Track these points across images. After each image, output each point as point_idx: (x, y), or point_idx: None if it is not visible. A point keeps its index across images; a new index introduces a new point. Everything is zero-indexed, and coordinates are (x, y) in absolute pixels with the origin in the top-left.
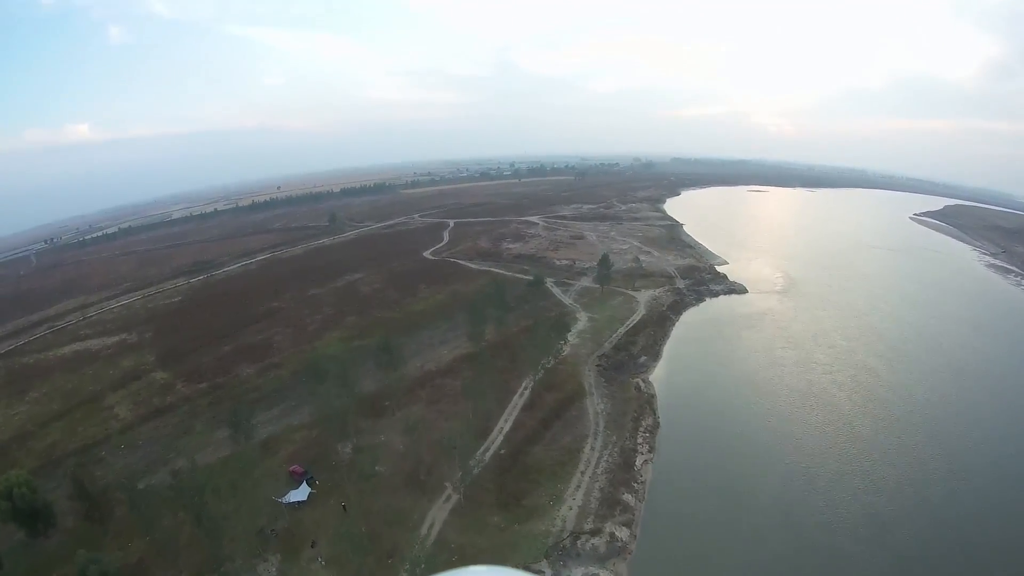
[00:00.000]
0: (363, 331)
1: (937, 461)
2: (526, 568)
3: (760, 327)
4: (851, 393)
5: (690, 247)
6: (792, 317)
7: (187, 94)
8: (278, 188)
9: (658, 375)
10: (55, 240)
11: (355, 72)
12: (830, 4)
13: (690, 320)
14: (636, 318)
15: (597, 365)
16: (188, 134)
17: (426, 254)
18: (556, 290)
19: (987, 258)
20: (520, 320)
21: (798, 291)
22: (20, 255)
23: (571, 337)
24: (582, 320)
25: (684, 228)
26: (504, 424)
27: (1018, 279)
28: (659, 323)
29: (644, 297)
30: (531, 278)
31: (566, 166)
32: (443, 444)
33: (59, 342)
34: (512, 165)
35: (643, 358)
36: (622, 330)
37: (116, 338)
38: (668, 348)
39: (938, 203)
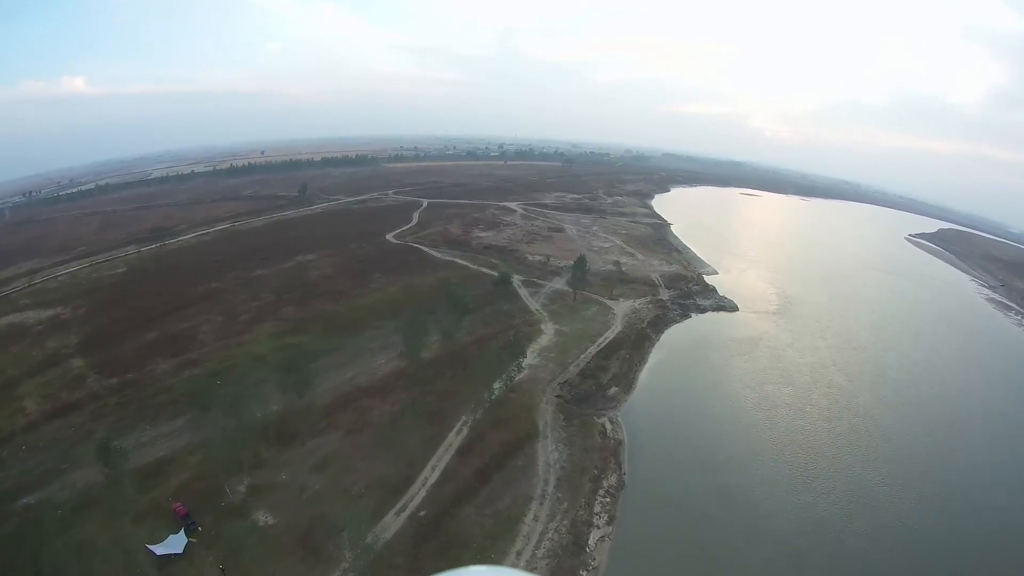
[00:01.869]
0: (298, 326)
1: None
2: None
3: (752, 355)
4: (852, 449)
5: (677, 251)
6: (788, 344)
7: (186, 54)
8: (262, 153)
9: (629, 412)
10: (32, 194)
11: (355, 43)
12: (839, 14)
13: (672, 341)
14: (611, 335)
15: (557, 396)
16: (185, 94)
17: (390, 236)
18: (523, 292)
19: (987, 291)
20: (476, 327)
21: (794, 313)
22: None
23: (531, 355)
24: (547, 333)
25: (672, 228)
26: (431, 472)
27: (1019, 318)
28: (637, 343)
29: (622, 309)
30: (497, 275)
31: (555, 152)
32: (336, 519)
33: None
34: (500, 147)
35: (613, 389)
36: (593, 350)
37: (51, 312)
38: (644, 377)
39: (932, 225)
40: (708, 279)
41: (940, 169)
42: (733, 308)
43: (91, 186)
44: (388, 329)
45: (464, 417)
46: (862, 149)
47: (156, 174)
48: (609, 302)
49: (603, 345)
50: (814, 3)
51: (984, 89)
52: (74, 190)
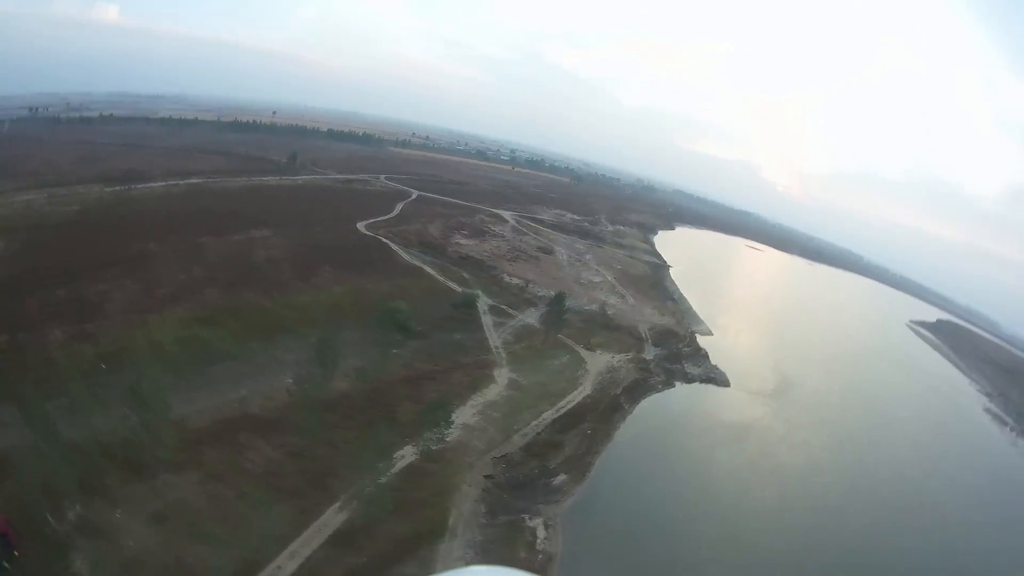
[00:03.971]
0: (214, 317)
1: None
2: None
3: (739, 447)
4: None
5: (673, 300)
6: (780, 438)
7: (220, 2)
8: (273, 114)
9: (575, 513)
10: (37, 111)
11: (387, 22)
12: (869, 87)
13: (648, 416)
14: (576, 398)
15: (487, 477)
16: (212, 41)
17: (361, 225)
18: (488, 320)
19: (984, 399)
20: (416, 360)
21: (790, 398)
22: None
23: (470, 411)
24: (500, 383)
25: (671, 271)
26: (287, 562)
27: (1014, 435)
28: (604, 415)
29: (598, 364)
30: (461, 295)
31: (566, 167)
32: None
33: None
34: (512, 152)
35: (562, 477)
36: (549, 416)
37: None
38: (604, 463)
39: (932, 312)
40: (701, 340)
41: (944, 255)
42: (724, 382)
43: (95, 115)
44: (312, 340)
45: (355, 489)
46: (870, 221)
47: (163, 114)
48: (584, 352)
49: (563, 411)
50: (849, 71)
51: (1003, 184)
52: (77, 115)
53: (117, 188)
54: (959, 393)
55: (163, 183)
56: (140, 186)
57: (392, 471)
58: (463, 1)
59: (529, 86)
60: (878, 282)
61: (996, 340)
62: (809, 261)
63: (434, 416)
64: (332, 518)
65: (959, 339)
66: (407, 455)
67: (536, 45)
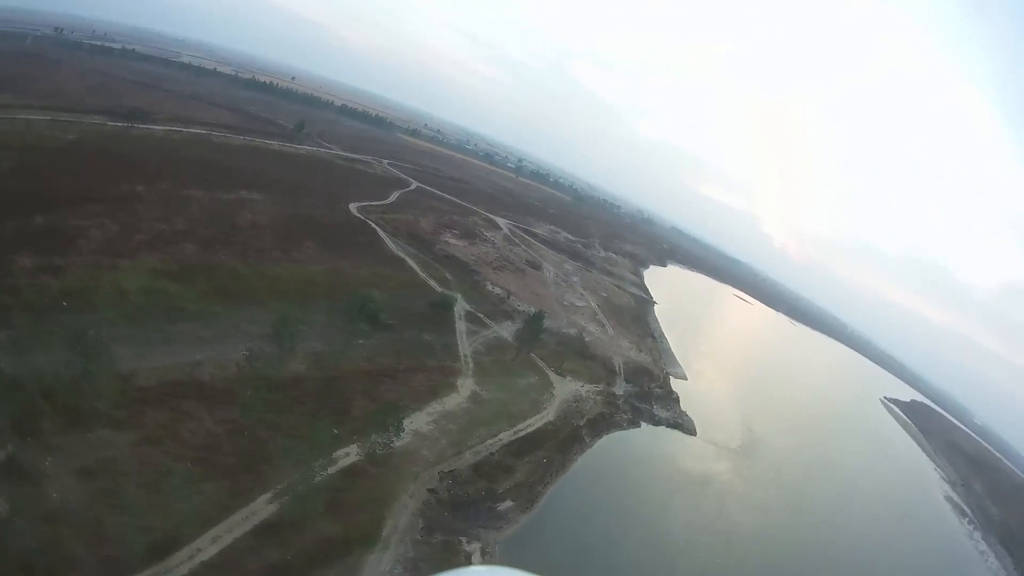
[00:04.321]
0: (185, 272)
1: None
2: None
3: (695, 499)
4: None
5: (653, 337)
6: (740, 495)
7: None
8: (292, 79)
9: (516, 543)
10: (61, 32)
11: (420, 8)
12: (885, 161)
13: (608, 452)
14: (536, 422)
15: (430, 490)
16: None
17: (353, 207)
18: (461, 326)
19: (946, 487)
20: (379, 354)
21: (755, 455)
22: (23, 30)
23: (425, 418)
24: (461, 394)
25: (656, 308)
26: (209, 545)
27: (971, 528)
28: (563, 445)
29: (565, 391)
30: (439, 295)
31: (570, 185)
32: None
33: None
34: (520, 161)
35: (507, 504)
36: (506, 437)
37: None
38: (554, 495)
39: (906, 391)
40: (675, 382)
41: (929, 337)
42: (691, 430)
43: (117, 47)
44: (279, 314)
45: (291, 480)
46: (861, 292)
47: (183, 59)
48: (554, 376)
49: (522, 434)
50: (865, 143)
51: (997, 278)
52: (99, 44)
53: (119, 124)
54: (922, 477)
55: (165, 127)
56: (142, 126)
57: (333, 468)
58: (504, 4)
59: (549, 97)
60: (858, 353)
61: (966, 429)
62: (793, 320)
63: (385, 419)
64: (262, 507)
65: (930, 422)
66: (351, 454)
67: (564, 59)
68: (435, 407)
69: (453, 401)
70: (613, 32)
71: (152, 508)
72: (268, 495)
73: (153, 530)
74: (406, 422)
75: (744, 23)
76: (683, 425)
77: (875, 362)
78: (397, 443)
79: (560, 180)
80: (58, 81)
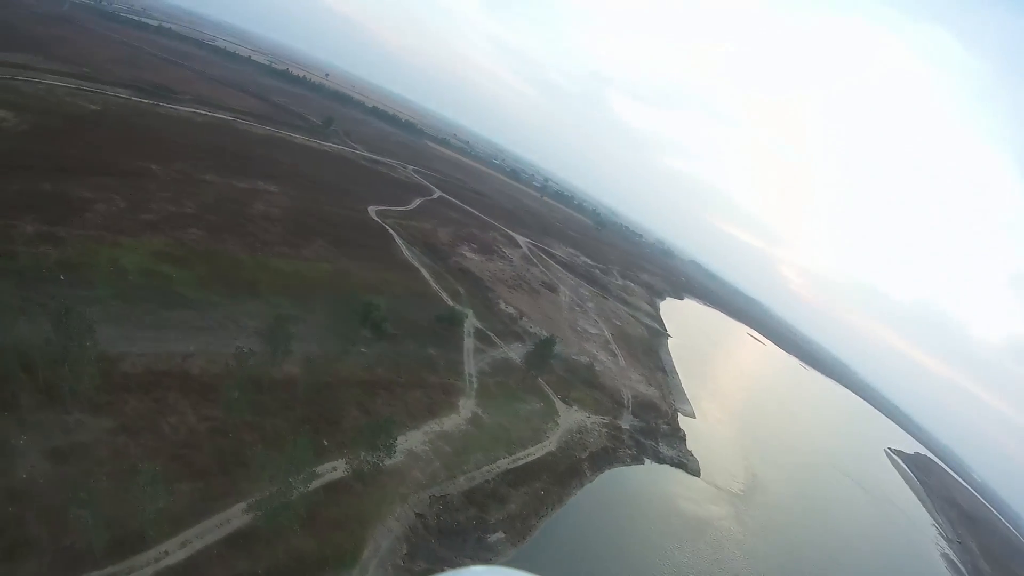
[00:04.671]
0: (188, 256)
1: None
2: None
3: (692, 543)
4: None
5: (663, 371)
6: (737, 542)
7: None
8: (326, 75)
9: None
10: (101, 2)
11: (461, 18)
12: (907, 213)
13: (607, 488)
14: (537, 452)
15: (418, 515)
16: None
17: (372, 210)
18: (468, 343)
19: (943, 543)
20: (378, 364)
21: (756, 501)
22: None
23: (420, 438)
24: (461, 414)
25: (669, 341)
26: (178, 550)
27: None
28: (562, 478)
29: (569, 421)
30: (449, 308)
31: (593, 209)
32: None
33: None
34: (546, 180)
35: (498, 535)
36: (504, 464)
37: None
38: (549, 527)
39: (910, 443)
40: (682, 420)
41: (935, 389)
42: (695, 471)
43: (154, 23)
44: (281, 309)
45: (271, 490)
46: (872, 340)
47: (218, 43)
48: (559, 404)
49: (520, 464)
50: (889, 191)
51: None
52: (135, 18)
53: (144, 100)
54: (920, 532)
55: (190, 109)
56: (167, 105)
57: (316, 481)
58: (542, 21)
59: (579, 120)
60: (865, 401)
61: (965, 485)
62: (804, 364)
63: (376, 437)
64: (236, 515)
65: (931, 476)
66: (338, 468)
67: (597, 82)
68: (432, 426)
69: (452, 422)
70: (648, 61)
71: (120, 502)
72: (244, 504)
73: (119, 525)
74: (400, 439)
75: (780, 68)
76: (687, 465)
77: (881, 411)
78: (387, 461)
79: (584, 203)
80: (88, 49)
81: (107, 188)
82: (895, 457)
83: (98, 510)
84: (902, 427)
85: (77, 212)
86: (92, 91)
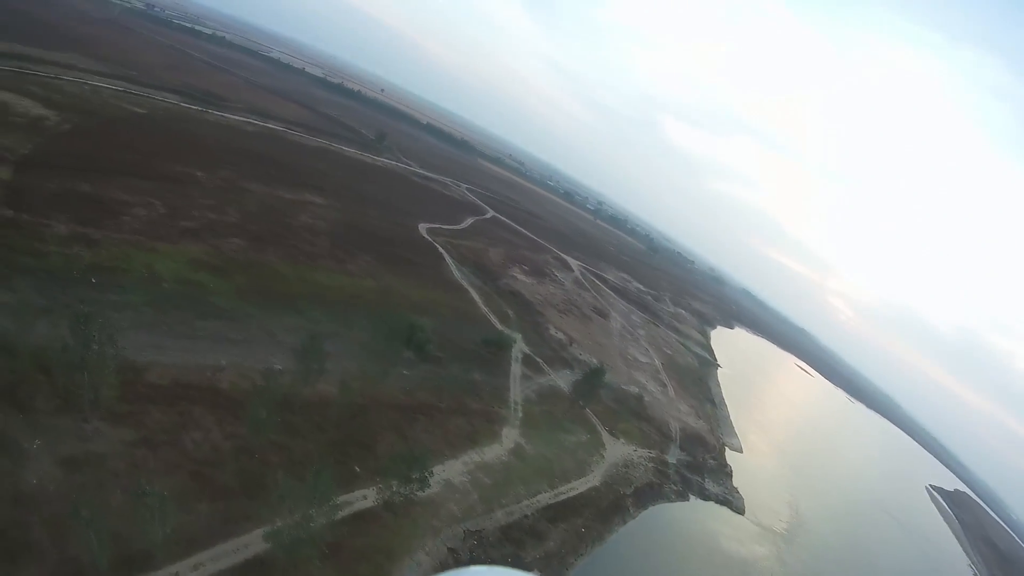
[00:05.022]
0: (227, 266)
1: None
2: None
3: None
4: None
5: (712, 403)
6: None
7: None
8: (381, 90)
9: None
10: (153, 8)
11: (515, 37)
12: (954, 246)
13: (650, 526)
14: (580, 486)
15: (450, 549)
16: (347, 2)
17: (423, 227)
18: (515, 369)
19: None
20: (419, 387)
21: (798, 540)
22: (120, 1)
23: (459, 467)
24: (503, 444)
25: (718, 372)
26: (185, 573)
27: None
28: (605, 514)
29: (615, 454)
30: (497, 332)
31: (646, 234)
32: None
33: None
34: (599, 203)
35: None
36: (545, 499)
37: (41, 111)
38: (586, 566)
39: (950, 479)
40: (729, 454)
41: (977, 425)
42: (739, 509)
43: (208, 31)
44: (320, 324)
45: (294, 515)
46: (911, 370)
47: (273, 54)
48: (606, 436)
49: (562, 498)
50: (936, 222)
51: None
52: (188, 25)
53: (193, 107)
54: (956, 573)
55: (240, 117)
56: (216, 112)
57: (344, 510)
58: (598, 43)
59: (633, 143)
60: (909, 436)
61: (1003, 524)
62: (850, 397)
63: (409, 469)
64: (255, 540)
65: (969, 514)
66: (368, 497)
67: (654, 109)
68: (472, 456)
69: (493, 452)
70: (702, 86)
71: (132, 517)
72: (264, 529)
73: (127, 541)
74: (437, 469)
75: (834, 97)
76: (732, 502)
77: (923, 446)
78: (422, 491)
79: (637, 228)
80: (137, 53)
81: (147, 192)
82: (935, 494)
83: (106, 524)
84: (943, 463)
85: (114, 215)
86: (139, 94)
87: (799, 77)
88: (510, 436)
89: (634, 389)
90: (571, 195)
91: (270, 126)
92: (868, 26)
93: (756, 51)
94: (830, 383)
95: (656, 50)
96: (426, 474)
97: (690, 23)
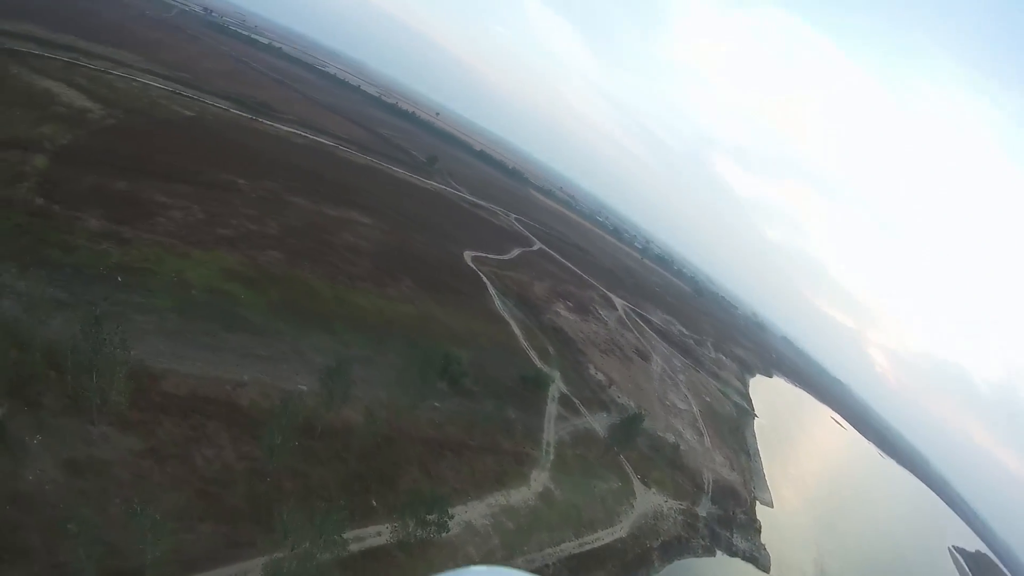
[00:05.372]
0: (261, 278)
1: None
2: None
3: None
4: None
5: (747, 454)
6: None
7: None
8: (436, 114)
9: None
10: (211, 13)
11: (573, 71)
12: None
13: None
14: (606, 537)
15: None
16: (406, 24)
17: (468, 255)
18: (551, 409)
19: None
20: (449, 422)
21: None
22: (178, 2)
23: (482, 510)
24: (531, 488)
25: (755, 422)
26: None
27: None
28: (629, 566)
29: (645, 504)
30: (536, 369)
31: (692, 276)
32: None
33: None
34: (647, 242)
35: None
36: (569, 548)
37: (88, 103)
38: None
39: (972, 540)
40: (759, 509)
41: (1006, 484)
42: (765, 567)
43: (265, 41)
44: (353, 347)
45: (302, 547)
46: (944, 424)
47: (330, 70)
48: (637, 484)
49: (587, 548)
50: (981, 277)
51: None
52: (246, 34)
53: (243, 114)
54: None
55: (290, 129)
56: (266, 121)
57: (356, 546)
58: (654, 79)
59: (683, 182)
60: (935, 494)
61: None
62: (881, 452)
63: (427, 511)
64: (256, 569)
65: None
66: (383, 534)
67: (706, 148)
68: (498, 498)
69: (520, 495)
70: (757, 127)
71: (130, 530)
72: (268, 557)
73: (122, 556)
74: (459, 509)
75: (885, 145)
76: (759, 560)
77: (949, 504)
78: (441, 533)
79: (683, 269)
80: (191, 57)
81: (186, 196)
82: (958, 556)
83: (102, 535)
84: (967, 523)
85: (149, 215)
86: (189, 97)
87: (853, 125)
88: (539, 479)
89: (671, 437)
90: (619, 232)
91: (320, 140)
92: (929, 79)
93: (813, 96)
94: (863, 437)
95: (711, 88)
96: (445, 518)
97: (747, 63)
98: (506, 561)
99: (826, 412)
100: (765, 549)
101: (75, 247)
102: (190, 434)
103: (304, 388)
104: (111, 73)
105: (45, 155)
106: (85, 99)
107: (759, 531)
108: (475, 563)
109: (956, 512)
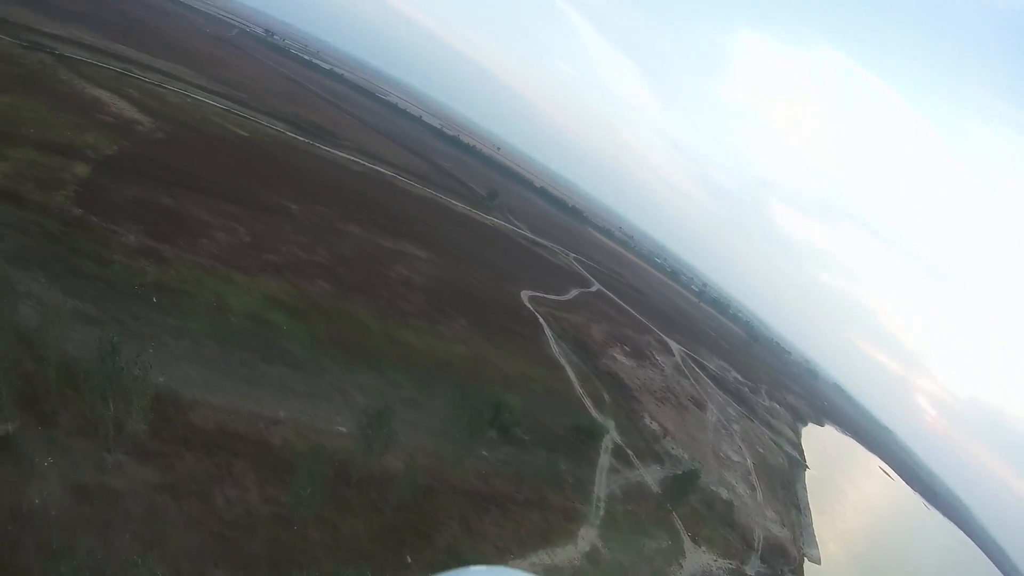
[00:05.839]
0: (308, 310)
1: None
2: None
3: None
4: None
5: (798, 508)
6: None
7: (497, 24)
8: (497, 148)
9: None
10: (272, 35)
11: (631, 107)
12: None
13: None
14: None
15: None
16: (473, 57)
17: (524, 294)
18: (603, 460)
19: None
20: (495, 473)
21: None
22: (234, 21)
23: (524, 568)
24: (578, 546)
25: (806, 473)
26: None
27: None
28: None
29: (695, 563)
30: (590, 418)
31: (747, 321)
32: None
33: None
34: (704, 285)
35: None
36: None
37: (134, 113)
38: None
39: None
40: (807, 566)
41: None
42: None
43: (326, 66)
44: (400, 388)
45: None
46: (990, 475)
47: (390, 98)
48: (687, 542)
49: None
50: None
51: None
52: (306, 58)
53: (299, 137)
54: None
55: (347, 155)
56: (322, 146)
57: None
58: (715, 120)
59: (742, 226)
60: (977, 545)
61: None
62: (927, 503)
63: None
64: None
65: None
66: None
67: (761, 190)
68: (542, 557)
69: (566, 554)
70: (813, 171)
71: (135, 569)
72: None
73: None
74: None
75: (944, 198)
76: None
77: (989, 556)
78: None
79: (738, 313)
80: (248, 76)
81: (233, 217)
82: None
83: (106, 567)
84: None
85: (191, 235)
86: (244, 116)
87: (910, 171)
88: (587, 537)
89: (724, 492)
90: (677, 274)
91: (378, 169)
92: (989, 127)
93: (869, 141)
94: (909, 487)
95: (767, 129)
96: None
97: (803, 104)
98: None
99: (875, 462)
100: None
101: (110, 261)
102: (213, 471)
103: (343, 430)
104: (164, 87)
105: (88, 164)
106: (135, 111)
107: None
108: None
109: (996, 565)
